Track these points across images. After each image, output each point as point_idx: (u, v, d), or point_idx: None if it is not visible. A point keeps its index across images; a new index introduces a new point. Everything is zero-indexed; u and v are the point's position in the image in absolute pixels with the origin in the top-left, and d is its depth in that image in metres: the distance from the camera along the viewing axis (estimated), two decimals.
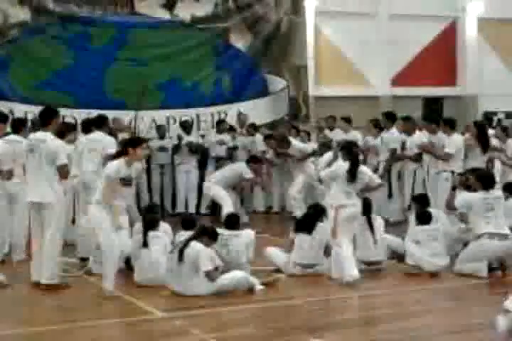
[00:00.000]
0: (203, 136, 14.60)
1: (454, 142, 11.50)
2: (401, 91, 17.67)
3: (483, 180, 9.00)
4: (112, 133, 10.88)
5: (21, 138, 9.36)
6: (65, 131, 9.80)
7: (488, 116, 17.10)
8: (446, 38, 18.53)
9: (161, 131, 14.31)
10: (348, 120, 14.17)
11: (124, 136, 12.24)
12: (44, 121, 8.41)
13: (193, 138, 14.23)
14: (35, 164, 8.22)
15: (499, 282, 8.51)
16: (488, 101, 18.45)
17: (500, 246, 8.63)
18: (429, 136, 12.14)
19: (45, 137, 8.23)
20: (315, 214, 9.15)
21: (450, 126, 11.78)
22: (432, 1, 17.82)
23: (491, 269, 8.67)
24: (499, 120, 18.20)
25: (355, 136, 13.64)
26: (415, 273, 8.76)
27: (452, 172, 11.33)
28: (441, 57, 18.28)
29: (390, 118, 13.20)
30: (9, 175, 9.38)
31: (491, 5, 18.24)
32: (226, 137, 14.28)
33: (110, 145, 9.88)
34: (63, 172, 8.23)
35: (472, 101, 18.60)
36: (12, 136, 9.67)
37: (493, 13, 18.38)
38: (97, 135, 10.12)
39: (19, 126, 9.87)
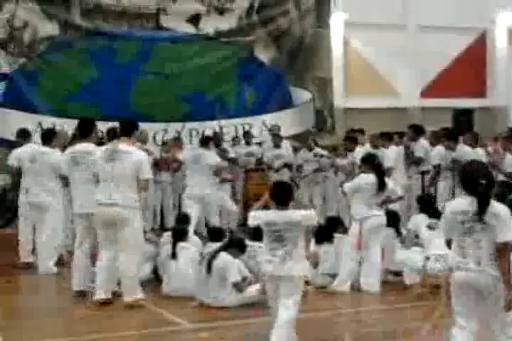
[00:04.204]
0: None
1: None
2: (430, 102, 17.47)
3: None
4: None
5: (51, 150, 9.45)
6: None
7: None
8: (475, 49, 18.37)
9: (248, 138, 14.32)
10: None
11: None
12: (86, 132, 8.37)
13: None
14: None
15: None
16: None
17: None
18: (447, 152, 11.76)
19: (91, 148, 8.14)
20: (332, 225, 9.35)
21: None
22: (462, 13, 17.63)
23: None
24: None
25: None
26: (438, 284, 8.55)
27: None
28: (470, 68, 18.12)
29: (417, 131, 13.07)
30: None
31: None
32: (255, 148, 14.22)
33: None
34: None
35: (502, 112, 18.40)
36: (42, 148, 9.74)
37: None
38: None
39: (51, 138, 9.90)
